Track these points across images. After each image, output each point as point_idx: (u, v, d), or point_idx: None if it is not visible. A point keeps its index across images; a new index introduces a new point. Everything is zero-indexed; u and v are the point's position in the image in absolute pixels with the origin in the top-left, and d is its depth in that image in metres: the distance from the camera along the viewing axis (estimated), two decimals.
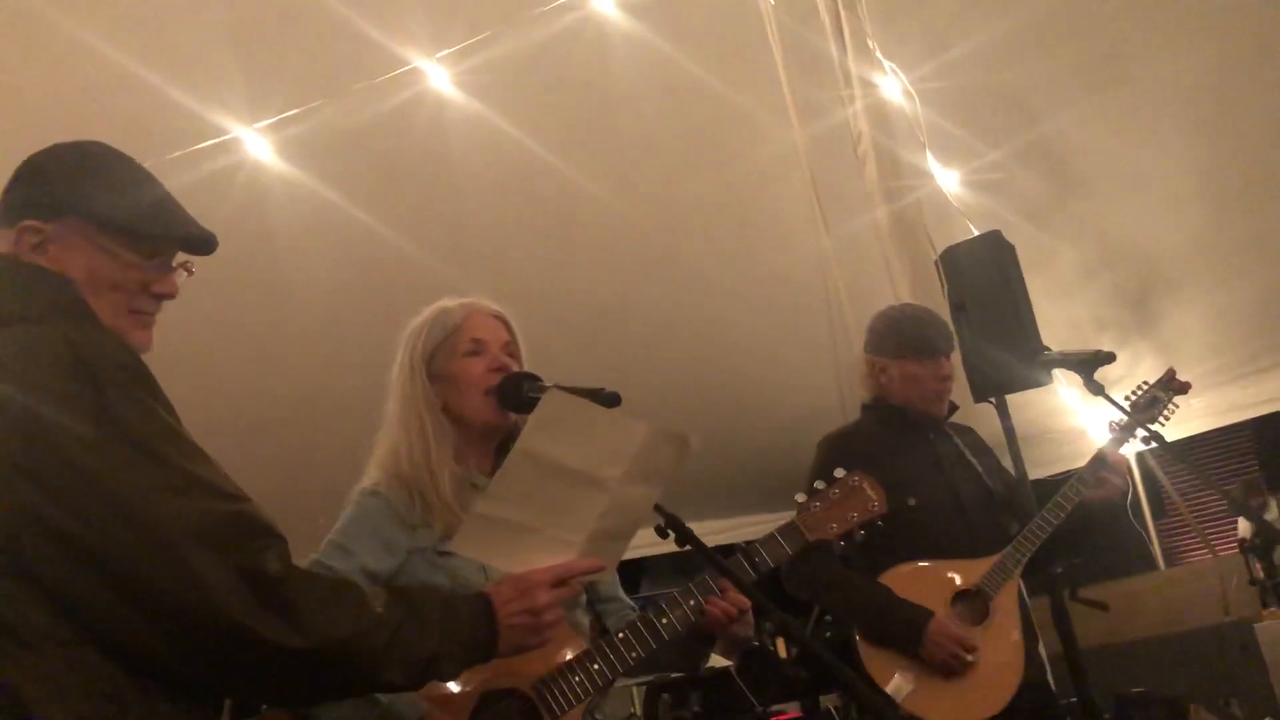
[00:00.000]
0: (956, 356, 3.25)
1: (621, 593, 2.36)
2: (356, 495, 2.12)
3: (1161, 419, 3.11)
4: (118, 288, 1.58)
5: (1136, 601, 5.53)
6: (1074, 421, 6.19)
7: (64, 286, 1.52)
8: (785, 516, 2.23)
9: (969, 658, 2.81)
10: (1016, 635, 2.94)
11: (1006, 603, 2.93)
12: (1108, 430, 3.12)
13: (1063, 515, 2.95)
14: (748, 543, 2.18)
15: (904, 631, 2.84)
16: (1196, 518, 7.24)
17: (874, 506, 2.23)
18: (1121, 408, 3.10)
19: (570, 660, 2.02)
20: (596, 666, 2.01)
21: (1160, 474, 6.86)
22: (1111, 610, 4.28)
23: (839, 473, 2.26)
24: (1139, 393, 3.15)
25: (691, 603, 2.07)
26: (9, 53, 3.82)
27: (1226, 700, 5.00)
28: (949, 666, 2.80)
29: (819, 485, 2.25)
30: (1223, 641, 5.21)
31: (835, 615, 2.93)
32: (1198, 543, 7.29)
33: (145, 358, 1.49)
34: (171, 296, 1.65)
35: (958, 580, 2.93)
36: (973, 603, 2.92)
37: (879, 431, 3.13)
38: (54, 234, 1.56)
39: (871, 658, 2.85)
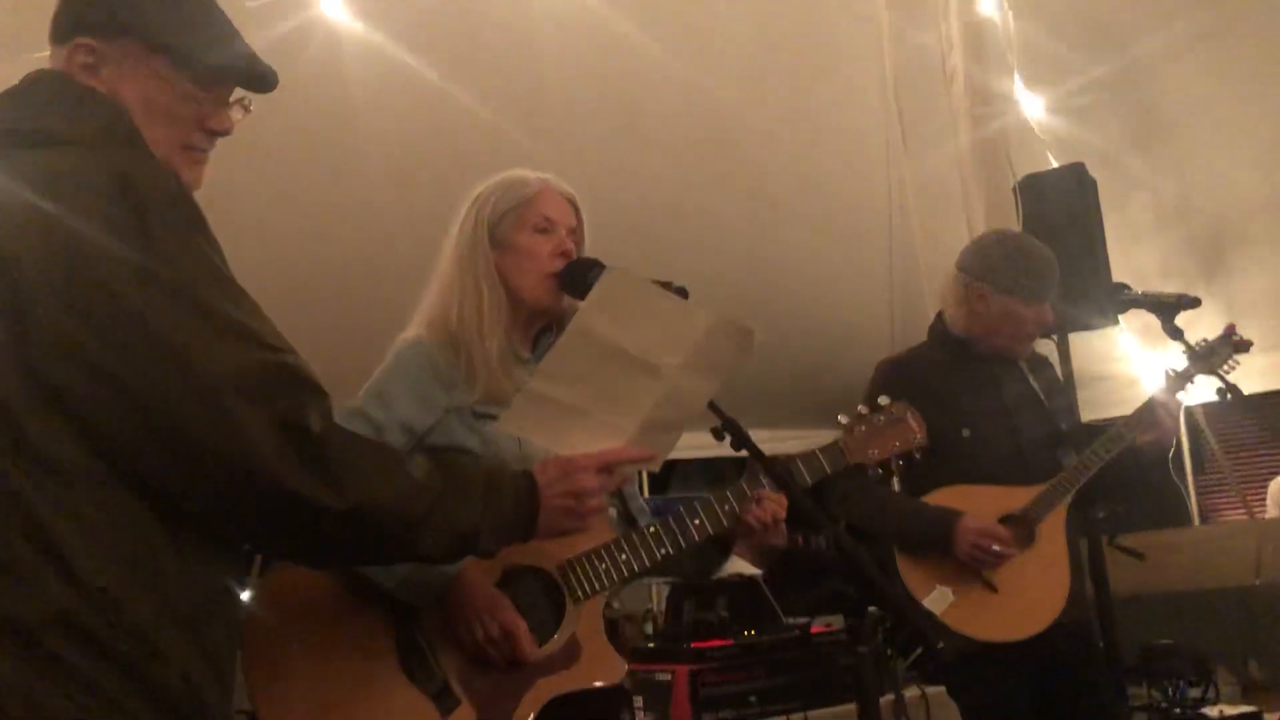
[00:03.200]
0: None
1: (637, 492, 2.31)
2: (398, 345, 2.07)
3: (1220, 373, 3.05)
4: (173, 120, 1.51)
5: (1169, 554, 5.49)
6: (1127, 368, 6.10)
7: (117, 112, 1.46)
8: (822, 434, 2.22)
9: (995, 548, 2.78)
10: (1062, 560, 2.90)
11: (1052, 528, 2.89)
12: (1164, 377, 3.05)
13: (1115, 450, 2.89)
14: (788, 457, 2.14)
15: (935, 530, 2.81)
16: (1237, 477, 7.15)
17: (915, 439, 2.20)
18: (1193, 350, 3.04)
19: (599, 547, 2.00)
20: (624, 557, 1.99)
21: (1206, 430, 6.77)
22: (1145, 560, 4.25)
23: (883, 400, 2.22)
24: (1200, 345, 3.09)
25: (726, 508, 2.04)
26: None
27: (1245, 660, 4.99)
28: (979, 559, 2.78)
29: (863, 410, 2.20)
30: (1250, 602, 5.19)
31: (870, 529, 2.90)
32: (1234, 502, 7.21)
33: (204, 205, 1.43)
34: (227, 133, 1.58)
35: (1004, 503, 2.89)
36: (1018, 526, 2.88)
37: (942, 360, 3.03)
38: (109, 55, 1.49)
39: (910, 570, 2.83)
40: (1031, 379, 3.08)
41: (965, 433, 2.90)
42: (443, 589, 1.89)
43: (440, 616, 1.91)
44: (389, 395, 1.99)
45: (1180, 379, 3.02)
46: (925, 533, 2.84)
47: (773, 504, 2.06)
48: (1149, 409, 2.95)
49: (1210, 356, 3.04)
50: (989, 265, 2.97)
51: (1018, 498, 2.90)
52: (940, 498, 2.88)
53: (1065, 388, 3.27)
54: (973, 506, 2.86)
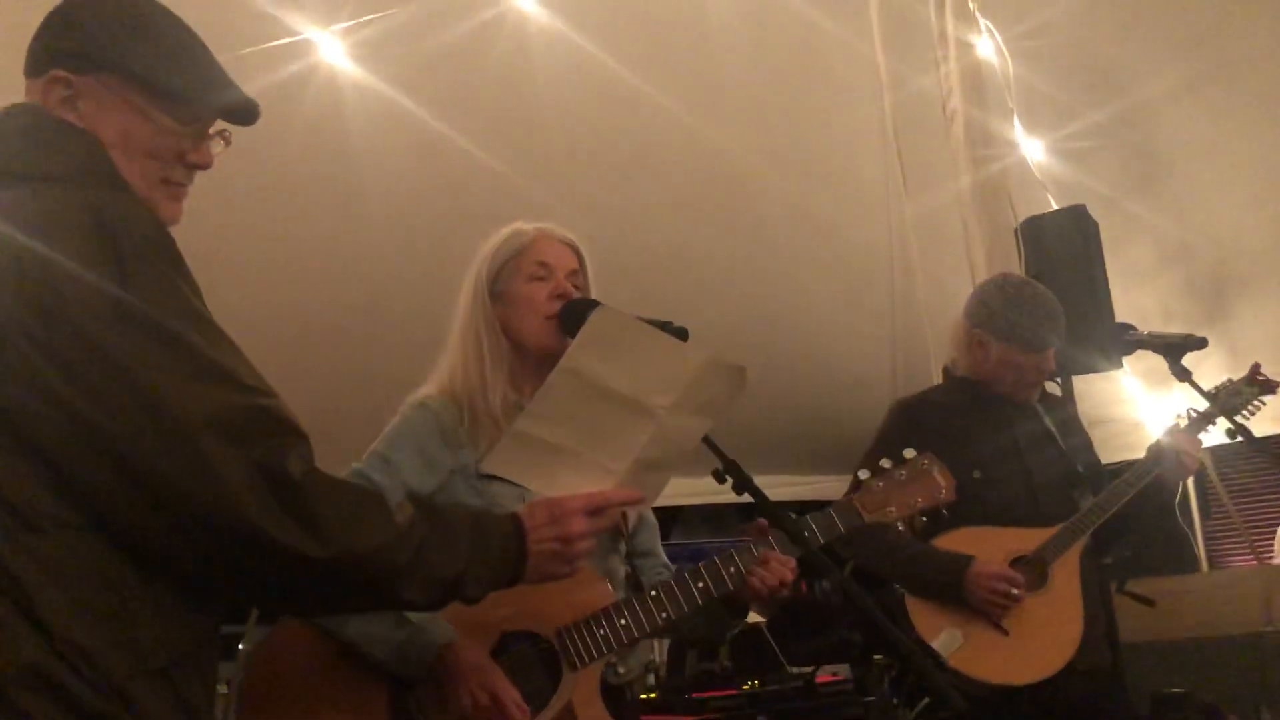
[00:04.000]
0: None
1: (660, 549, 2.28)
2: (405, 407, 2.07)
3: (1244, 414, 3.01)
4: (151, 154, 1.48)
5: (1178, 601, 5.43)
6: (1132, 412, 6.06)
7: (93, 147, 1.42)
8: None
9: (1015, 592, 2.74)
10: (1075, 602, 2.86)
11: (1066, 570, 2.85)
12: (1185, 417, 3.02)
13: (1131, 492, 2.87)
14: (798, 515, 2.07)
15: (945, 577, 2.77)
16: (1245, 522, 7.08)
17: (941, 494, 2.10)
18: (1205, 394, 3.00)
19: (598, 612, 1.95)
20: (624, 622, 1.94)
21: (1213, 473, 6.71)
22: (1154, 607, 4.19)
23: (909, 453, 2.13)
24: (1224, 385, 3.05)
25: (732, 570, 1.98)
26: None
27: (1257, 707, 4.92)
28: (994, 604, 2.74)
29: (885, 464, 2.12)
30: (1261, 649, 5.12)
31: (878, 573, 2.86)
32: (1242, 547, 7.14)
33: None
34: (206, 167, 1.54)
35: (1016, 545, 2.86)
36: (1030, 568, 2.85)
37: (955, 403, 3.02)
38: (86, 89, 1.45)
39: (919, 612, 2.79)
40: (1046, 419, 3.05)
41: (976, 474, 2.86)
42: (434, 658, 1.86)
43: (433, 684, 1.87)
44: (393, 458, 1.98)
45: (1202, 420, 2.99)
46: (935, 579, 2.80)
47: (779, 567, 2.00)
48: (1169, 451, 2.92)
49: (1234, 398, 3.00)
50: (989, 312, 2.97)
51: (1030, 539, 2.87)
52: (951, 540, 2.84)
53: (1081, 427, 3.23)
54: (984, 548, 2.82)
